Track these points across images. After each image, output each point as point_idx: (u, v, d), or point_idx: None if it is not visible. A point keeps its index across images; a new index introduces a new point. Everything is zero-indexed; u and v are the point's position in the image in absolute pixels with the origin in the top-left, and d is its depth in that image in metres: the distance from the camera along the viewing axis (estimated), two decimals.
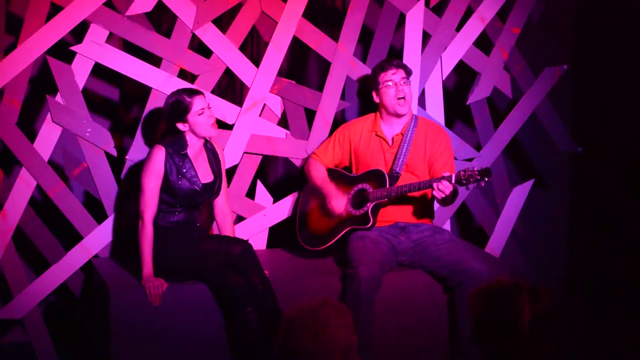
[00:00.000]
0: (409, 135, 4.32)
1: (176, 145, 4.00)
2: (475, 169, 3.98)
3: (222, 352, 3.97)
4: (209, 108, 4.03)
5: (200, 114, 3.98)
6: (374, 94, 4.37)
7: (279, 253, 4.56)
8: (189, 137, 4.02)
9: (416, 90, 4.69)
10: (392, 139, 4.36)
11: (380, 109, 4.39)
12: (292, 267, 4.35)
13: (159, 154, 3.96)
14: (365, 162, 4.37)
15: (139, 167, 4.36)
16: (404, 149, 4.31)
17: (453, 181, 4.01)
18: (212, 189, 4.09)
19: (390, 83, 4.30)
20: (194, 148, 4.04)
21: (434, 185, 4.01)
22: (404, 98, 4.30)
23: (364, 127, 4.42)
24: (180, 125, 3.99)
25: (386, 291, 4.11)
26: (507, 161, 5.15)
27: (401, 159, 4.30)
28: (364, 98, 4.73)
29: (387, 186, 4.22)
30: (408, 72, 4.35)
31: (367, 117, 4.47)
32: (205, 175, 4.07)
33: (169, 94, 4.33)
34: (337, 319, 2.40)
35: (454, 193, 4.07)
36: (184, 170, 3.99)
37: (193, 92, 4.00)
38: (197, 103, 3.97)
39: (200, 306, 3.95)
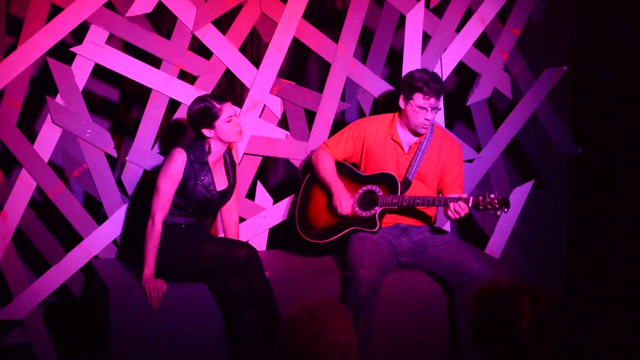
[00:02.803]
0: (425, 143, 4.29)
1: (197, 152, 3.98)
2: (494, 197, 3.95)
3: (222, 353, 3.97)
4: (236, 115, 4.02)
5: (228, 122, 3.97)
6: (401, 99, 4.26)
7: (278, 254, 4.56)
8: (214, 143, 4.00)
9: None
10: (409, 147, 4.33)
11: (402, 115, 4.30)
12: (292, 268, 4.35)
13: (180, 159, 3.94)
14: (377, 163, 4.34)
15: (138, 169, 4.38)
16: (419, 157, 4.28)
17: (470, 204, 3.99)
18: (225, 196, 4.09)
19: (422, 110, 4.18)
20: (216, 155, 4.03)
21: (451, 205, 4.00)
22: (428, 125, 4.23)
23: (379, 128, 4.35)
24: (206, 131, 3.96)
25: (386, 292, 4.11)
26: (507, 162, 5.16)
27: (415, 167, 4.28)
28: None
29: (399, 193, 4.21)
30: (442, 95, 4.26)
31: (385, 117, 4.40)
32: (221, 182, 4.07)
33: (171, 95, 4.36)
34: (337, 320, 2.40)
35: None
36: (202, 178, 3.98)
37: (222, 99, 3.99)
38: (226, 110, 3.96)
39: (200, 308, 3.95)
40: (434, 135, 4.34)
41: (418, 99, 4.18)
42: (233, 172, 4.14)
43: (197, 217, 4.05)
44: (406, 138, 4.33)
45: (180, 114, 4.41)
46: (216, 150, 4.02)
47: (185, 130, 4.43)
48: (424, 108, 4.18)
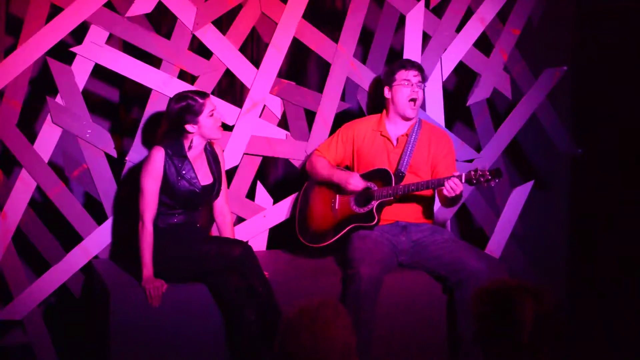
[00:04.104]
0: (414, 136, 4.33)
1: (176, 147, 4.00)
2: (487, 169, 3.99)
3: (222, 353, 3.97)
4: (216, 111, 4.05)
5: (211, 115, 3.99)
6: (386, 89, 4.37)
7: (278, 254, 4.56)
8: (195, 139, 4.02)
9: None
10: (397, 140, 4.37)
11: (389, 106, 4.38)
12: (292, 268, 4.36)
13: (158, 156, 3.96)
14: (369, 161, 4.37)
15: (138, 169, 4.37)
16: (409, 150, 4.31)
17: (463, 180, 4.01)
18: (211, 191, 4.10)
19: (406, 83, 4.31)
20: (196, 150, 4.04)
21: (445, 183, 4.01)
22: (414, 100, 4.31)
23: (368, 127, 4.41)
24: (189, 127, 3.98)
25: (386, 291, 4.11)
26: (507, 162, 5.15)
27: (406, 159, 4.30)
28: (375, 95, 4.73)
29: (393, 185, 4.23)
30: (424, 78, 4.38)
31: (372, 117, 4.47)
32: (204, 177, 4.07)
33: (171, 95, 4.34)
34: (336, 320, 2.40)
35: (459, 195, 4.07)
36: (184, 172, 3.99)
37: (204, 94, 4.02)
38: (208, 105, 3.99)
39: (200, 307, 3.96)
40: (422, 128, 4.37)
41: (400, 74, 4.33)
42: (217, 168, 4.14)
43: (188, 214, 4.06)
44: (394, 131, 4.37)
45: None
46: (196, 145, 4.03)
47: None
48: (408, 80, 4.30)
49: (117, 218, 4.37)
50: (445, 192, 4.03)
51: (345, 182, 4.30)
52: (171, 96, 4.34)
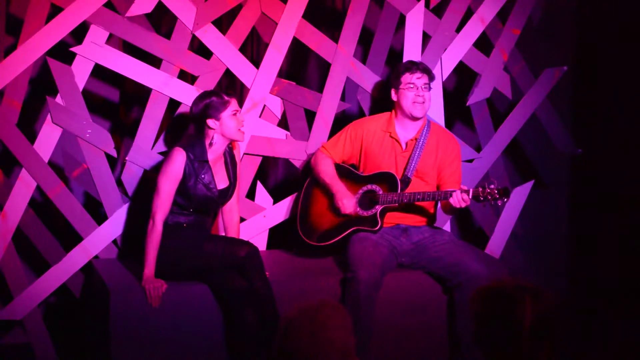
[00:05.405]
0: (422, 140, 4.31)
1: (197, 150, 4.00)
2: (494, 187, 3.97)
3: (221, 353, 3.97)
4: (239, 112, 4.06)
5: (234, 114, 4.00)
6: (392, 92, 4.36)
7: (278, 254, 4.56)
8: (216, 137, 4.02)
9: None
10: (406, 144, 4.35)
11: (397, 108, 4.37)
12: (292, 268, 4.36)
13: (180, 158, 3.96)
14: (376, 162, 4.36)
15: (141, 171, 4.38)
16: (417, 154, 4.29)
17: (470, 196, 4.01)
18: (226, 194, 4.11)
19: (412, 86, 4.29)
20: (217, 152, 4.04)
21: (454, 195, 4.00)
22: (422, 103, 4.30)
23: (377, 127, 4.39)
24: (211, 122, 3.99)
25: (386, 292, 4.11)
26: (507, 162, 5.16)
27: (413, 164, 4.29)
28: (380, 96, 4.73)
29: (399, 191, 4.22)
30: (431, 78, 4.35)
31: (381, 116, 4.45)
32: (221, 180, 4.08)
33: (171, 95, 4.36)
34: (335, 320, 2.40)
35: (465, 207, 4.08)
36: (202, 177, 3.99)
37: (230, 94, 4.04)
38: (233, 103, 4.01)
39: (200, 307, 3.96)
40: (431, 132, 4.35)
41: (405, 78, 4.31)
42: (234, 172, 4.15)
43: (198, 215, 4.06)
44: (403, 134, 4.35)
45: (181, 113, 4.41)
46: (217, 146, 4.04)
47: (186, 131, 4.43)
48: (413, 84, 4.28)
49: (117, 218, 4.36)
50: (452, 201, 4.03)
51: (339, 199, 4.29)
52: (171, 96, 4.37)
